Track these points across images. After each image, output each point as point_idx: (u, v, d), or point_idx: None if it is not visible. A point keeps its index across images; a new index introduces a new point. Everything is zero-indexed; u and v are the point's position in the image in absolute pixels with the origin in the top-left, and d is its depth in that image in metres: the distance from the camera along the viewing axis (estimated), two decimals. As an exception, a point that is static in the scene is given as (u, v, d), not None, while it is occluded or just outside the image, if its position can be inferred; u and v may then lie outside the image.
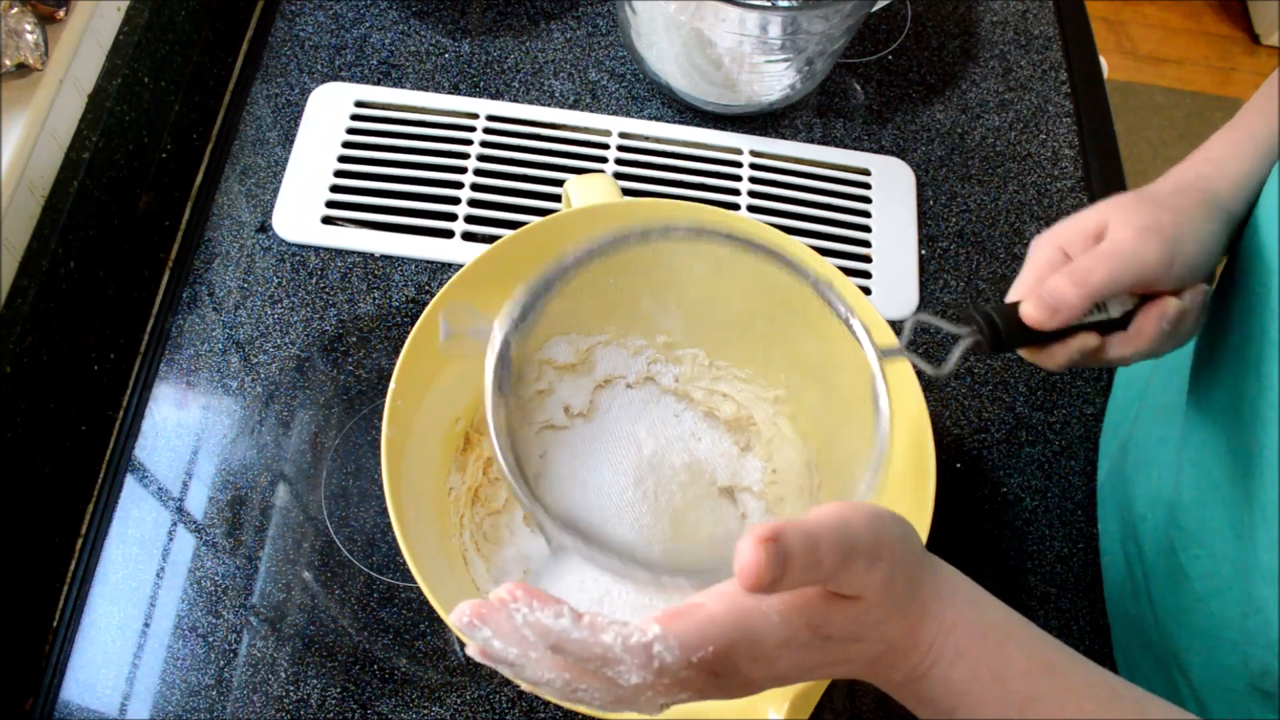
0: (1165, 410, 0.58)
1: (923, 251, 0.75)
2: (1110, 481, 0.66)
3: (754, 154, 0.78)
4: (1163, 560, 0.55)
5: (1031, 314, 0.45)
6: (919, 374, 0.53)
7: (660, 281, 0.54)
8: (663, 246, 0.44)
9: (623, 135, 0.78)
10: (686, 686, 0.32)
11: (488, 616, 0.32)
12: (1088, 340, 0.46)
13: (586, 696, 0.33)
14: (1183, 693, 0.54)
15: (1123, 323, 0.47)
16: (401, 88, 0.78)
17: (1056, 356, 0.47)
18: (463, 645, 0.56)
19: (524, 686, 0.35)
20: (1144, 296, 0.47)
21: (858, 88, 0.83)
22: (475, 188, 0.74)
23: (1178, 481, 0.54)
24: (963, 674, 0.35)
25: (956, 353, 0.46)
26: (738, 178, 0.77)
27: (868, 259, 0.74)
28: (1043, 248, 0.48)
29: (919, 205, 0.77)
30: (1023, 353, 0.48)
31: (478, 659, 0.33)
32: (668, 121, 0.79)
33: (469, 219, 0.73)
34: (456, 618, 0.32)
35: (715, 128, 0.79)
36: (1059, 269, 0.46)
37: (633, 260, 0.47)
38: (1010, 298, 0.47)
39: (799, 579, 0.31)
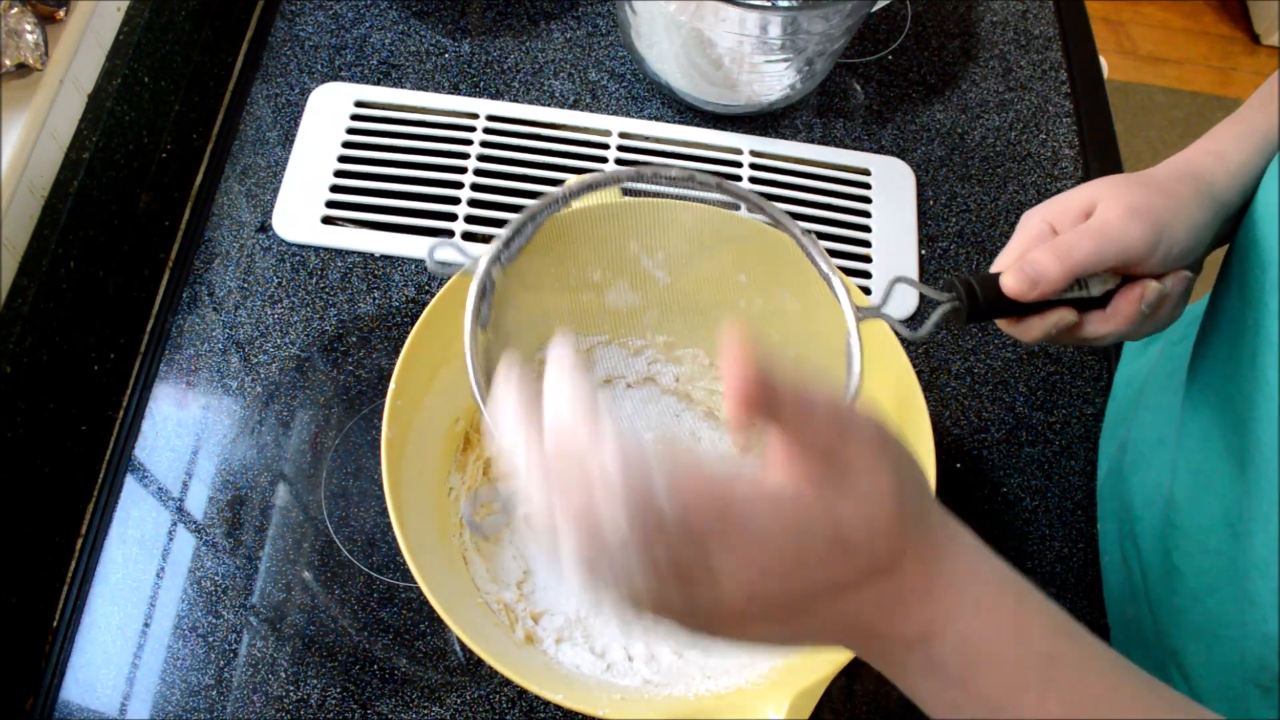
0: (1163, 410, 0.58)
1: (923, 251, 0.75)
2: (1109, 482, 0.66)
3: (754, 154, 0.78)
4: (1159, 560, 0.55)
5: (1011, 285, 0.45)
6: (917, 374, 0.53)
7: (647, 226, 0.55)
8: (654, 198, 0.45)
9: (623, 135, 0.78)
10: (652, 562, 0.28)
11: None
12: (1065, 316, 0.46)
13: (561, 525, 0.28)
14: (1181, 691, 0.54)
15: (1102, 301, 0.47)
16: (401, 88, 0.78)
17: (1033, 329, 0.47)
18: (463, 645, 0.56)
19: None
20: (1126, 277, 0.47)
21: (858, 88, 0.83)
22: (475, 188, 0.74)
23: (1172, 479, 0.54)
24: (984, 628, 0.32)
25: (934, 317, 0.46)
26: (738, 178, 0.77)
27: (868, 259, 0.74)
28: (1031, 221, 0.48)
29: (919, 205, 0.77)
30: (1000, 324, 0.48)
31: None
32: (668, 121, 0.79)
33: (469, 219, 0.73)
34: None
35: (715, 128, 0.79)
36: (1043, 242, 0.46)
37: (624, 208, 0.49)
38: (994, 269, 0.48)
39: (790, 416, 0.29)
